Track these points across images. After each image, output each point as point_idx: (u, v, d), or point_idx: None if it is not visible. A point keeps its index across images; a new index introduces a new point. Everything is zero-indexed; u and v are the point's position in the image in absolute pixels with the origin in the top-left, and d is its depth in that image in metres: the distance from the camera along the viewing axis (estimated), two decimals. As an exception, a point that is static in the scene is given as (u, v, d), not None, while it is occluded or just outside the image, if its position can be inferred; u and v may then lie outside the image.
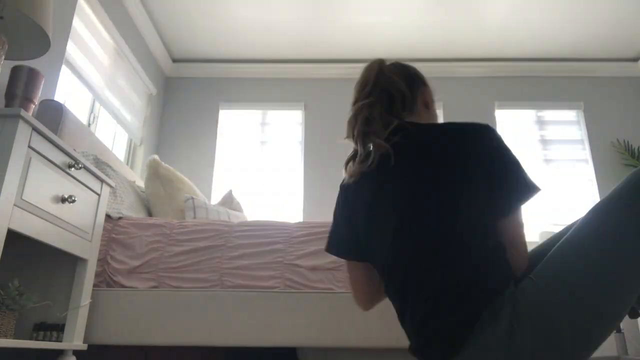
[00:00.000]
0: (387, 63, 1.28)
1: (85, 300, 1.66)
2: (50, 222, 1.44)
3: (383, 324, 1.68)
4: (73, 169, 1.55)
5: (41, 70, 1.73)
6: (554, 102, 4.09)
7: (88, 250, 1.68)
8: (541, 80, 4.15)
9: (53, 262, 1.71)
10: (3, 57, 1.58)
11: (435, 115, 1.30)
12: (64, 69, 2.64)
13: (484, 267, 0.94)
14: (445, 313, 0.93)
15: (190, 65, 4.22)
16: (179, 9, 3.57)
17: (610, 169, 3.85)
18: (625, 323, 2.74)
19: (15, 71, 1.67)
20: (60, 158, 1.49)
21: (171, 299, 1.80)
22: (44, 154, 1.40)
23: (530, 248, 1.13)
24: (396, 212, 1.04)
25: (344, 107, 4.43)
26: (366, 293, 1.25)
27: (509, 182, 1.01)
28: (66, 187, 1.52)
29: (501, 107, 4.09)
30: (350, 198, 1.19)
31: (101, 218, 1.78)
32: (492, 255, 0.96)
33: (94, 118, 3.11)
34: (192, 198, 2.49)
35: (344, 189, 1.22)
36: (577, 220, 1.01)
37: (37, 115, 2.11)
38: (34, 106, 1.68)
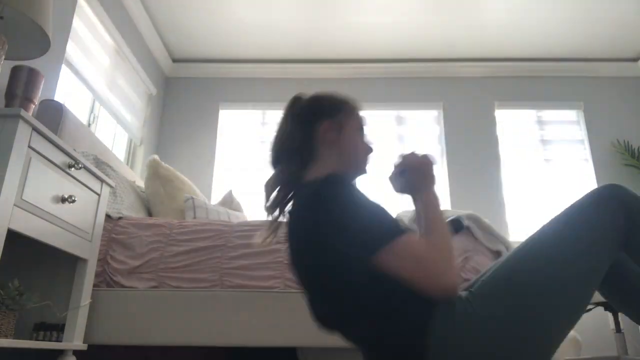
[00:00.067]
0: (296, 104, 1.20)
1: (85, 300, 1.66)
2: (50, 222, 1.44)
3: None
4: (73, 169, 1.55)
5: (41, 70, 1.73)
6: (554, 102, 4.09)
7: (88, 250, 1.68)
8: (541, 80, 4.15)
9: (53, 262, 1.71)
10: (3, 57, 1.58)
11: (348, 145, 1.16)
12: (64, 69, 2.64)
13: (388, 326, 0.94)
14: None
15: (190, 65, 4.22)
16: (179, 9, 3.57)
17: (610, 169, 3.85)
18: (626, 323, 2.74)
19: (15, 71, 1.67)
20: (60, 158, 1.49)
21: (171, 299, 1.80)
22: (44, 154, 1.40)
23: None
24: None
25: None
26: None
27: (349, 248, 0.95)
28: (66, 187, 1.52)
29: (501, 107, 4.09)
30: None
31: (101, 218, 1.78)
32: (386, 314, 0.94)
33: (94, 118, 3.11)
34: (192, 198, 2.49)
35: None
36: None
37: (37, 115, 2.11)
38: (34, 106, 1.68)
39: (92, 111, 3.11)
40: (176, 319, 1.77)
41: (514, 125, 4.07)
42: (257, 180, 3.92)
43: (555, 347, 0.93)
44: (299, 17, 3.64)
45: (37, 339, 1.60)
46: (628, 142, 3.85)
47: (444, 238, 0.97)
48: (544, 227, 1.01)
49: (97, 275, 1.81)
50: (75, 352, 1.62)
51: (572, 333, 2.81)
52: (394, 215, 1.02)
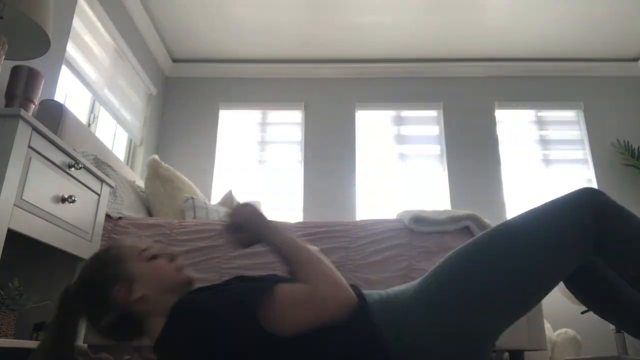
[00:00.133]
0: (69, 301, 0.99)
1: (85, 300, 1.65)
2: (50, 222, 1.44)
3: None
4: (73, 169, 1.55)
5: (41, 70, 1.73)
6: (554, 102, 4.09)
7: (88, 250, 1.68)
8: (541, 80, 4.16)
9: (53, 262, 1.71)
10: (3, 57, 1.58)
11: (154, 284, 0.98)
12: (64, 69, 2.64)
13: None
14: None
15: (190, 65, 4.22)
16: (179, 9, 3.57)
17: (610, 169, 3.85)
18: (625, 323, 2.74)
19: (15, 71, 1.67)
20: (60, 158, 1.49)
21: (171, 299, 1.80)
22: (44, 154, 1.40)
23: None
24: None
25: (343, 107, 4.45)
26: None
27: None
28: (66, 187, 1.52)
29: (501, 107, 4.09)
30: None
31: (101, 218, 1.78)
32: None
33: (94, 118, 3.11)
34: (192, 198, 2.49)
35: None
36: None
37: (37, 115, 2.11)
38: (34, 106, 1.68)
39: (92, 111, 3.11)
40: (176, 319, 1.77)
41: (514, 125, 4.07)
42: (257, 180, 3.93)
43: (494, 336, 0.94)
44: (299, 17, 3.64)
45: (37, 339, 1.60)
46: (628, 142, 3.85)
47: (311, 264, 0.92)
48: (514, 217, 1.02)
49: (97, 275, 1.81)
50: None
51: (572, 333, 2.81)
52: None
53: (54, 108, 2.18)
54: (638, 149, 3.77)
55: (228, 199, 2.97)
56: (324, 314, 0.87)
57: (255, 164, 3.98)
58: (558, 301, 3.22)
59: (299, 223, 2.03)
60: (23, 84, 1.65)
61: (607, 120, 4.00)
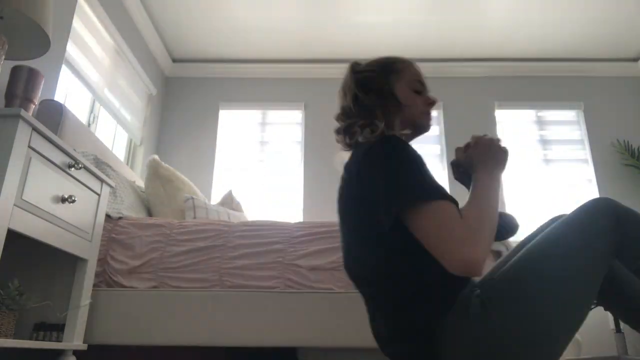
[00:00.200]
0: (355, 68, 1.28)
1: (85, 300, 1.66)
2: (50, 222, 1.44)
3: (383, 324, 1.68)
4: (73, 169, 1.55)
5: (41, 70, 1.73)
6: (554, 102, 4.09)
7: (88, 250, 1.68)
8: (541, 80, 4.15)
9: (53, 262, 1.71)
10: (3, 57, 1.58)
11: (402, 102, 1.19)
12: (64, 69, 2.64)
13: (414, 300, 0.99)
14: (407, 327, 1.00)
15: (190, 65, 4.22)
16: (179, 9, 3.57)
17: (610, 169, 3.85)
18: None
19: (15, 71, 1.67)
20: (60, 158, 1.49)
21: (171, 299, 1.80)
22: (44, 154, 1.40)
23: None
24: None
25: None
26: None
27: (384, 197, 0.98)
28: (66, 187, 1.52)
29: (501, 107, 4.09)
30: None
31: (101, 218, 1.78)
32: (412, 291, 0.99)
33: (94, 118, 3.11)
34: (192, 198, 2.49)
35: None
36: (542, 227, 1.10)
37: (37, 115, 2.11)
38: (34, 106, 1.68)
39: (92, 111, 3.11)
40: (176, 319, 1.77)
41: (514, 125, 4.07)
42: (257, 180, 3.93)
43: (560, 352, 0.95)
44: (299, 17, 3.64)
45: (37, 339, 1.60)
46: (628, 142, 3.85)
47: (484, 212, 0.95)
48: (540, 239, 1.02)
49: (97, 275, 1.81)
50: (75, 352, 1.62)
51: (572, 333, 2.81)
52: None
53: (54, 108, 2.18)
54: (638, 149, 3.76)
55: (228, 199, 2.97)
56: (445, 253, 0.89)
57: (255, 164, 3.98)
58: (558, 301, 3.21)
59: (299, 223, 2.03)
60: (23, 84, 1.65)
61: (607, 120, 4.00)
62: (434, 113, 4.18)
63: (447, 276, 0.90)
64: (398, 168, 0.98)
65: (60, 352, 1.56)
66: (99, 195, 1.76)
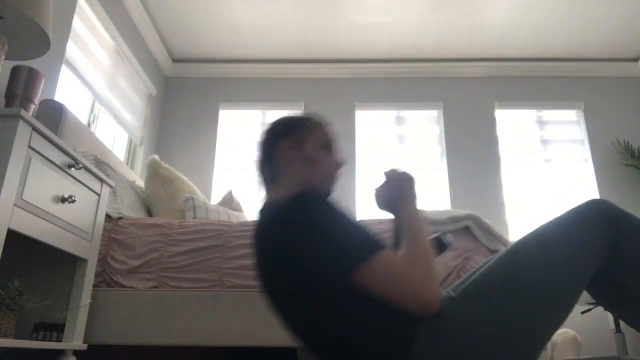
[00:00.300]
0: (262, 133, 1.27)
1: (85, 300, 1.66)
2: (50, 222, 1.44)
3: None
4: (73, 169, 1.55)
5: (41, 70, 1.73)
6: (554, 102, 4.09)
7: (88, 250, 1.68)
8: (541, 80, 4.15)
9: (53, 262, 1.71)
10: (3, 57, 1.58)
11: (310, 161, 1.14)
12: (64, 69, 2.64)
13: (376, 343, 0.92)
14: None
15: (190, 65, 4.22)
16: (179, 9, 3.57)
17: (610, 169, 3.85)
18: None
19: (15, 71, 1.67)
20: (60, 158, 1.49)
21: (171, 299, 1.80)
22: (44, 154, 1.40)
23: None
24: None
25: (343, 107, 4.44)
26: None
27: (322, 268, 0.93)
28: (66, 187, 1.52)
29: (501, 107, 4.09)
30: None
31: (101, 218, 1.78)
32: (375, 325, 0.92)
33: (94, 118, 3.11)
34: (192, 198, 2.49)
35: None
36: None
37: (37, 115, 2.11)
38: (34, 106, 1.68)
39: (92, 111, 3.11)
40: (176, 319, 1.77)
41: (514, 125, 4.07)
42: (257, 180, 3.92)
43: (537, 351, 0.94)
44: (299, 17, 3.64)
45: (37, 339, 1.60)
46: (628, 142, 3.85)
47: (424, 252, 0.94)
48: (529, 235, 1.02)
49: (97, 275, 1.81)
50: (75, 352, 1.62)
51: (572, 333, 2.81)
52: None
53: (54, 108, 2.18)
54: (638, 149, 3.77)
55: (228, 199, 2.97)
56: (405, 302, 0.88)
57: (255, 164, 3.97)
58: (558, 301, 3.21)
59: (299, 223, 2.02)
60: (23, 84, 1.65)
61: (607, 120, 4.00)
62: (435, 113, 4.21)
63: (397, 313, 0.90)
64: (326, 229, 0.93)
65: (60, 352, 1.56)
66: (99, 195, 1.76)
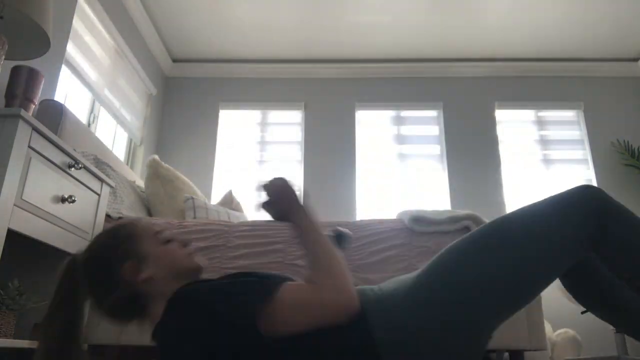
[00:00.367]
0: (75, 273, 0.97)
1: (85, 300, 1.65)
2: (50, 222, 1.44)
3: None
4: (73, 169, 1.55)
5: (41, 70, 1.73)
6: (554, 102, 4.09)
7: (88, 250, 1.68)
8: (541, 80, 4.16)
9: (53, 262, 1.70)
10: (3, 57, 1.58)
11: (164, 266, 0.98)
12: (64, 69, 2.64)
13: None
14: None
15: (190, 65, 4.22)
16: (178, 9, 3.57)
17: (610, 169, 3.85)
18: (625, 323, 2.73)
19: (15, 71, 1.67)
20: (60, 158, 1.49)
21: (171, 299, 1.80)
22: (44, 154, 1.40)
23: None
24: None
25: (343, 107, 4.44)
26: None
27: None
28: (66, 187, 1.52)
29: (501, 107, 4.09)
30: None
31: (101, 218, 1.78)
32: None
33: (94, 118, 3.11)
34: (192, 198, 2.49)
35: None
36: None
37: (37, 115, 2.11)
38: (34, 106, 1.68)
39: (92, 111, 3.11)
40: (176, 319, 1.76)
41: (514, 125, 4.07)
42: (257, 180, 3.93)
43: (485, 334, 0.93)
44: (299, 17, 3.64)
45: (37, 339, 1.60)
46: (628, 142, 3.85)
47: (324, 261, 0.92)
48: (511, 212, 1.01)
49: (97, 275, 1.81)
50: (75, 352, 1.62)
51: (572, 333, 2.81)
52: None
53: (54, 108, 2.18)
54: (638, 149, 3.77)
55: (228, 199, 2.97)
56: (323, 317, 0.86)
57: (255, 164, 3.98)
58: (558, 301, 3.22)
59: (299, 223, 2.02)
60: (23, 84, 1.65)
61: (607, 120, 4.00)
62: (435, 113, 4.20)
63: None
64: (218, 302, 0.86)
65: (60, 352, 1.56)
66: (99, 195, 1.76)
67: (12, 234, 1.28)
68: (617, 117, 4.01)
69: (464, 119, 4.04)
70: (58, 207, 1.47)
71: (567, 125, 4.07)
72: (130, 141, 3.68)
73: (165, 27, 3.79)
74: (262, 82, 4.20)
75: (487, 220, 1.92)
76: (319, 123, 4.07)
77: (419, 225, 1.89)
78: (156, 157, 2.63)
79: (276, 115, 4.15)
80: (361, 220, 2.02)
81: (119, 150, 3.56)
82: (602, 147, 3.93)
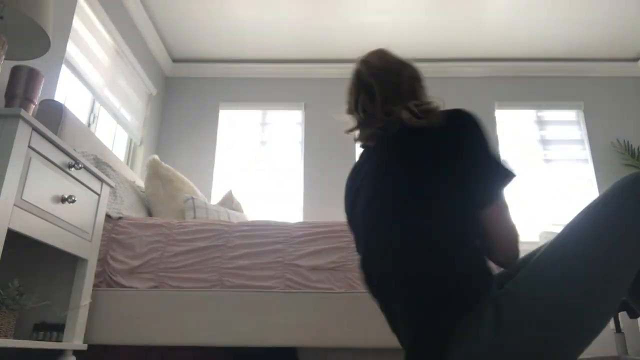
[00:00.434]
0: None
1: (85, 300, 1.66)
2: (50, 222, 1.44)
3: (382, 324, 1.68)
4: (73, 169, 1.55)
5: (41, 70, 1.73)
6: (554, 102, 4.09)
7: (88, 250, 1.68)
8: (541, 80, 4.16)
9: (53, 262, 1.71)
10: (3, 57, 1.58)
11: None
12: (64, 69, 2.64)
13: (461, 273, 0.93)
14: (423, 321, 0.93)
15: (190, 65, 4.22)
16: (179, 9, 3.57)
17: (610, 169, 3.85)
18: (625, 323, 2.74)
19: (15, 71, 1.67)
20: (60, 158, 1.49)
21: (171, 299, 1.80)
22: (44, 154, 1.40)
23: (530, 248, 1.13)
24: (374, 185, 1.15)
25: (343, 107, 4.42)
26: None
27: (487, 172, 1.00)
28: (66, 187, 1.52)
29: (501, 107, 4.09)
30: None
31: (101, 218, 1.78)
32: (469, 259, 0.95)
33: (94, 118, 3.11)
34: (192, 198, 2.49)
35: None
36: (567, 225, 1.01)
37: (37, 115, 2.11)
38: (34, 106, 1.68)
39: (92, 111, 3.11)
40: (176, 319, 1.77)
41: (514, 125, 4.07)
42: (257, 180, 3.93)
43: (587, 343, 0.92)
44: (299, 17, 3.64)
45: (37, 339, 1.60)
46: (628, 142, 3.85)
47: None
48: (574, 222, 0.95)
49: (97, 275, 1.81)
50: (75, 352, 1.62)
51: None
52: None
53: (54, 108, 2.18)
54: (638, 149, 3.77)
55: (228, 199, 2.97)
56: (505, 248, 0.99)
57: (255, 164, 3.98)
58: (558, 301, 3.22)
59: (299, 223, 2.03)
60: (23, 84, 1.65)
61: (607, 120, 4.00)
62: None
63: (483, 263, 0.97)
64: (490, 146, 1.03)
65: (60, 352, 1.56)
66: (99, 195, 1.76)
67: (12, 234, 1.28)
68: (617, 117, 4.01)
69: (464, 119, 4.04)
70: (58, 207, 1.47)
71: (567, 125, 4.07)
72: (130, 141, 3.68)
73: (165, 27, 3.79)
74: (262, 82, 4.20)
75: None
76: (319, 123, 4.06)
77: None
78: (156, 157, 2.63)
79: (276, 115, 4.15)
80: (361, 220, 2.02)
81: (119, 150, 3.56)
82: (602, 147, 3.93)
